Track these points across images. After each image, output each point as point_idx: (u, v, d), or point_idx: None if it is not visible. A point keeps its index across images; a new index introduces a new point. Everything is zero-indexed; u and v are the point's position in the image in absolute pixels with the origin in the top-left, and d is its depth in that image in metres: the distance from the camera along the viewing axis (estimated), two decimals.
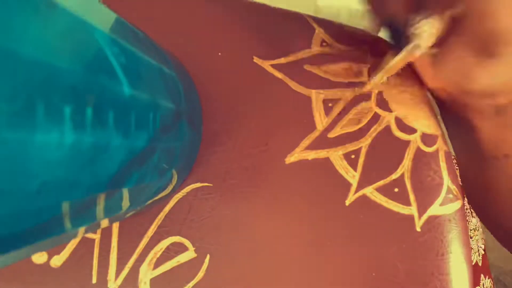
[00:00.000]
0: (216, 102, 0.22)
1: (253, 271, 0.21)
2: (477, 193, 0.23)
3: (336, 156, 0.21)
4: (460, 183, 0.22)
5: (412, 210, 0.21)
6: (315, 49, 0.23)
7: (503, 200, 0.21)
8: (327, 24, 0.23)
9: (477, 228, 0.37)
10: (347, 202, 0.21)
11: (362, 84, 0.22)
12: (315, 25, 0.23)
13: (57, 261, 0.21)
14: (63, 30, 0.09)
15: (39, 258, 0.21)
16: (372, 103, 0.22)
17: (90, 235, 0.21)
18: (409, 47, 0.17)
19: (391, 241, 0.21)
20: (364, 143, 0.22)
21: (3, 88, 0.07)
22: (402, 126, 0.22)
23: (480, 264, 0.35)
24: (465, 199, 0.31)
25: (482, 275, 0.34)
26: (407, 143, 0.21)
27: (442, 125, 0.23)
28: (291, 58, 0.23)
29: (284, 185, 0.21)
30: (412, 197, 0.21)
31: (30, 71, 0.08)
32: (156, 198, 0.19)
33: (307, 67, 0.22)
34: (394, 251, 0.21)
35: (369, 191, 0.21)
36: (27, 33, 0.08)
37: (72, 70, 0.09)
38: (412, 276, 0.20)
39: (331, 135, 0.22)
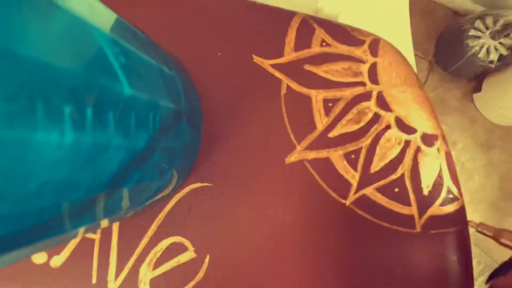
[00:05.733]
0: (216, 102, 0.22)
1: (253, 271, 0.21)
2: None
3: (336, 156, 0.21)
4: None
5: (412, 210, 0.21)
6: (315, 49, 0.23)
7: None
8: (327, 24, 0.23)
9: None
10: (347, 202, 0.21)
11: (363, 84, 0.22)
12: (315, 25, 0.23)
13: (57, 261, 0.21)
14: (63, 30, 0.09)
15: (39, 258, 0.21)
16: (372, 103, 0.22)
17: (90, 235, 0.21)
18: None
19: (391, 241, 0.21)
20: (364, 143, 0.21)
21: (3, 88, 0.07)
22: (402, 126, 0.22)
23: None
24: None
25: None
26: (407, 143, 0.21)
27: (442, 125, 0.23)
28: (291, 58, 0.23)
29: (284, 185, 0.21)
30: (412, 197, 0.21)
31: (30, 71, 0.08)
32: (156, 198, 0.19)
33: (307, 67, 0.22)
34: (395, 251, 0.21)
35: (369, 191, 0.21)
36: (27, 33, 0.08)
37: (72, 70, 0.09)
38: (412, 276, 0.20)
39: (331, 135, 0.22)
